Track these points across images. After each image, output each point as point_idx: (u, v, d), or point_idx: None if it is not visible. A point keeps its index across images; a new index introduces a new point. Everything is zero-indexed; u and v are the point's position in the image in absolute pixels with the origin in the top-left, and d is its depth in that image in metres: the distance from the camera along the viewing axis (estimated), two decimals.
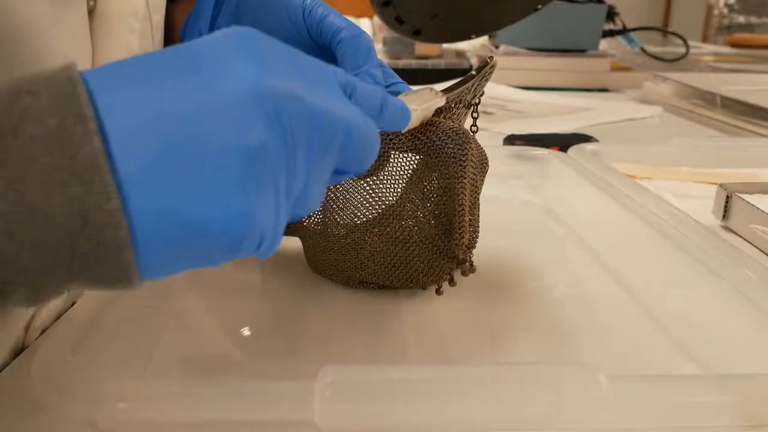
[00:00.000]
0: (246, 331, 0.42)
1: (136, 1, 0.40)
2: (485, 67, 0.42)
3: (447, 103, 0.41)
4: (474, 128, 0.46)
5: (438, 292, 0.43)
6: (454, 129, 0.40)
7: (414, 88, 0.42)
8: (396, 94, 0.42)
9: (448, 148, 0.40)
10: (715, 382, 0.31)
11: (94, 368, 0.31)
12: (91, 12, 0.38)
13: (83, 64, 0.37)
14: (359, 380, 0.29)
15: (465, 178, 0.40)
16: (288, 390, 0.28)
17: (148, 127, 0.22)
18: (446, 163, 0.40)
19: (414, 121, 0.38)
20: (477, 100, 0.45)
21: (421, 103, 0.38)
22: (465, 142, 0.40)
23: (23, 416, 0.31)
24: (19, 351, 0.37)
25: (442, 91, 0.41)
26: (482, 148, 0.43)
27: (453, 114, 0.42)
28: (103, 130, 0.21)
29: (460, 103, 0.43)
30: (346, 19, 0.43)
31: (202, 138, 0.22)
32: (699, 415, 0.29)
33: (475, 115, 0.45)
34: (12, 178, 0.20)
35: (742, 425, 0.29)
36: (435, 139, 0.40)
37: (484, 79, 0.43)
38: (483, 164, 0.44)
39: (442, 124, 0.40)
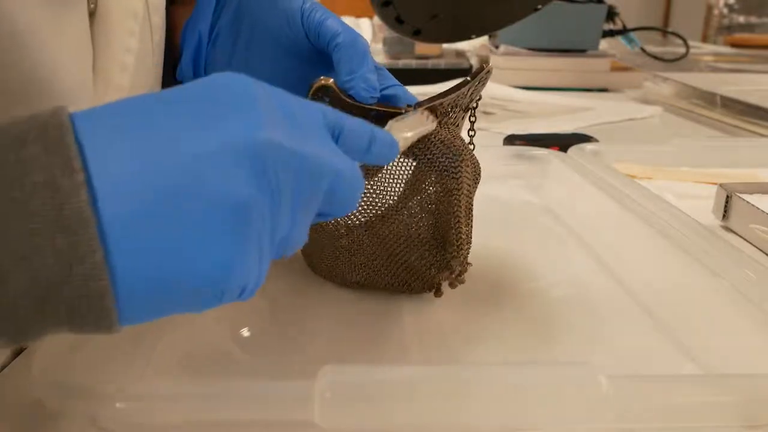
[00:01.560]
0: (246, 331, 0.42)
1: (135, 2, 0.40)
2: (481, 73, 0.42)
3: (443, 107, 0.41)
4: (472, 132, 0.46)
5: (437, 294, 0.44)
6: (447, 143, 0.40)
7: (410, 89, 0.42)
8: (392, 96, 0.42)
9: (440, 162, 0.40)
10: (715, 382, 0.31)
11: (94, 368, 0.31)
12: (91, 14, 0.38)
13: (84, 67, 0.37)
14: (359, 380, 0.29)
15: (460, 192, 0.40)
16: (288, 390, 0.28)
17: (134, 179, 0.22)
18: (441, 176, 0.41)
19: (405, 147, 0.38)
20: (474, 104, 0.45)
21: (413, 128, 0.38)
22: (459, 156, 0.40)
23: (24, 416, 0.31)
24: (19, 351, 0.37)
25: (438, 95, 0.41)
26: (476, 159, 0.44)
27: (450, 119, 0.42)
28: (90, 180, 0.21)
29: (456, 107, 0.43)
30: (344, 23, 0.43)
31: (188, 192, 0.23)
32: (699, 415, 0.29)
33: (473, 119, 0.45)
34: (3, 227, 0.20)
35: (742, 425, 0.29)
36: (427, 153, 0.41)
37: (480, 84, 0.43)
38: (477, 175, 0.44)
39: (434, 136, 0.40)
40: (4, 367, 0.35)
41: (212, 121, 0.24)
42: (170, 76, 0.46)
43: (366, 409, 0.28)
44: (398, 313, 0.44)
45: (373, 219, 0.44)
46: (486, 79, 0.43)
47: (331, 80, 0.40)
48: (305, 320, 0.43)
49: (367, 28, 1.78)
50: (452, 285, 0.43)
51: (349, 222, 0.44)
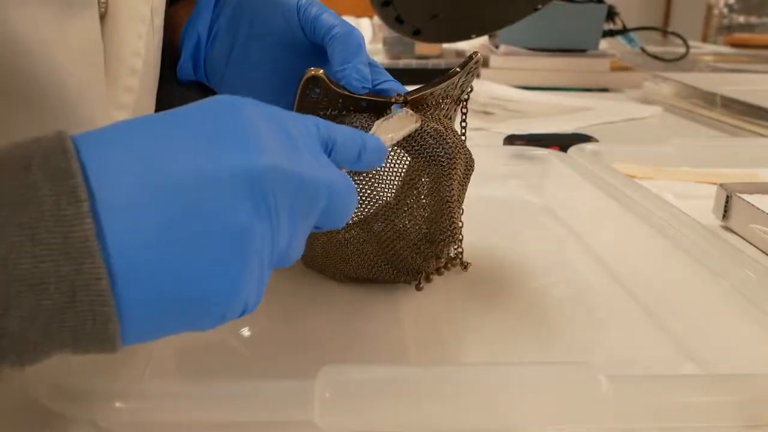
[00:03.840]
0: (246, 331, 0.42)
1: (143, 5, 0.40)
2: (469, 63, 0.43)
3: (433, 97, 0.41)
4: (464, 124, 0.46)
5: (418, 287, 0.45)
6: (438, 134, 0.41)
7: (410, 89, 0.43)
8: (384, 92, 0.43)
9: (433, 152, 0.41)
10: (715, 382, 0.31)
11: (94, 368, 0.31)
12: (102, 18, 0.38)
13: (95, 70, 0.37)
14: (359, 380, 0.29)
15: (452, 179, 0.41)
16: (288, 390, 0.28)
17: (138, 206, 0.23)
18: (434, 165, 0.41)
19: (390, 146, 0.39)
20: (466, 96, 0.45)
21: (397, 129, 0.39)
22: (452, 145, 0.40)
23: (23, 417, 0.31)
24: None
25: (428, 86, 0.41)
26: (468, 151, 0.44)
27: (441, 111, 0.43)
28: (95, 208, 0.22)
29: (447, 98, 0.43)
30: (340, 17, 0.43)
31: (190, 220, 0.23)
32: (699, 415, 0.29)
33: (464, 110, 0.46)
34: (10, 255, 0.21)
35: (742, 425, 0.29)
36: (418, 145, 0.41)
37: (470, 75, 0.43)
38: (469, 167, 0.44)
39: (424, 129, 0.41)
40: None
41: (211, 148, 0.24)
42: (169, 74, 0.46)
43: (366, 409, 0.28)
44: (397, 312, 0.44)
45: (369, 214, 0.44)
46: (475, 69, 0.43)
47: (321, 71, 0.40)
48: (305, 320, 0.43)
49: (367, 28, 1.78)
50: (439, 272, 0.43)
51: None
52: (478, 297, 0.46)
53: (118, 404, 0.27)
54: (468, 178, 0.44)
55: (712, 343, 0.39)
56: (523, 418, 0.29)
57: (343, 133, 0.31)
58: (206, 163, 0.24)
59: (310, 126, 0.29)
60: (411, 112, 0.40)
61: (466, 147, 0.43)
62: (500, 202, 0.65)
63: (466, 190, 0.44)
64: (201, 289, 0.23)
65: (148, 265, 0.22)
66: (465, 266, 0.48)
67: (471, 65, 0.43)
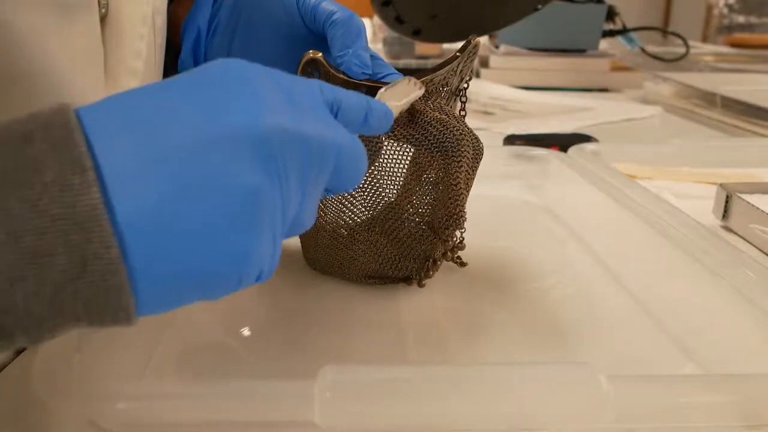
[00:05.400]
0: (246, 331, 0.42)
1: (144, 6, 0.40)
2: (468, 47, 0.43)
3: (434, 84, 0.41)
4: (463, 113, 0.46)
5: (420, 284, 0.45)
6: (444, 123, 0.41)
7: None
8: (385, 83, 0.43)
9: (439, 140, 0.41)
10: (715, 382, 0.31)
11: (95, 368, 0.31)
12: (102, 19, 0.38)
13: (95, 72, 0.37)
14: (359, 380, 0.29)
15: (460, 166, 0.40)
16: (288, 390, 0.28)
17: (145, 173, 0.22)
18: (440, 154, 0.41)
19: (396, 115, 0.38)
20: (465, 84, 0.45)
21: (402, 97, 0.38)
22: (458, 133, 0.40)
23: (24, 415, 0.31)
24: (20, 350, 0.37)
25: (429, 71, 0.41)
26: (476, 136, 0.43)
27: (440, 98, 0.42)
28: (101, 177, 0.21)
29: (446, 86, 0.43)
30: (340, 4, 0.43)
31: (198, 183, 0.23)
32: (699, 415, 0.29)
33: (464, 99, 0.46)
34: (14, 228, 0.20)
35: (742, 425, 0.29)
36: (419, 135, 0.40)
37: (469, 61, 0.43)
38: (477, 153, 0.44)
39: (428, 115, 0.40)
40: (4, 366, 0.35)
41: (216, 110, 0.24)
42: (171, 69, 0.46)
43: (366, 409, 0.28)
44: (397, 312, 0.44)
45: (374, 211, 0.44)
46: (474, 53, 0.43)
47: (320, 54, 0.40)
48: (305, 320, 0.43)
49: (367, 27, 1.78)
50: (445, 256, 0.43)
51: (347, 219, 0.44)
52: (477, 297, 0.46)
53: (118, 404, 0.27)
54: (477, 164, 0.44)
55: (712, 343, 0.39)
56: (523, 418, 0.29)
57: (348, 96, 0.31)
58: (212, 127, 0.23)
59: (315, 88, 0.29)
60: (414, 79, 0.40)
61: (473, 132, 0.43)
62: (500, 202, 0.65)
63: (474, 177, 0.44)
64: (213, 253, 0.23)
65: (158, 232, 0.22)
66: (462, 262, 0.48)
67: (470, 49, 0.43)
